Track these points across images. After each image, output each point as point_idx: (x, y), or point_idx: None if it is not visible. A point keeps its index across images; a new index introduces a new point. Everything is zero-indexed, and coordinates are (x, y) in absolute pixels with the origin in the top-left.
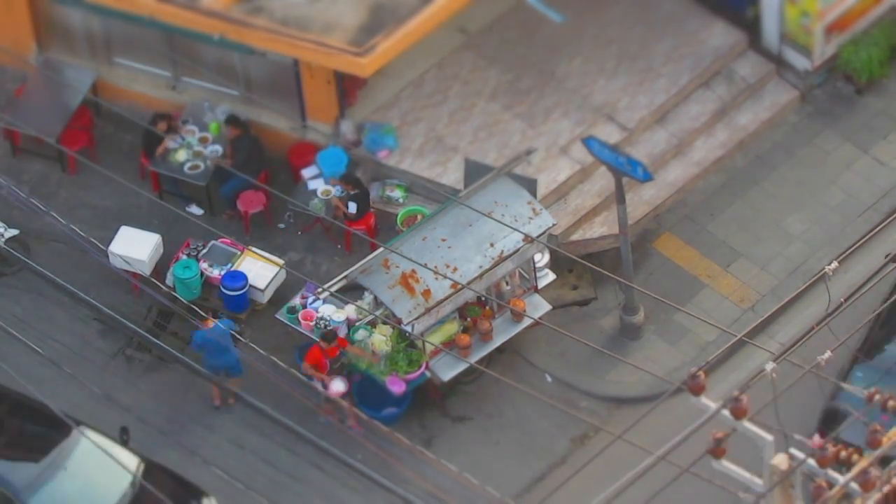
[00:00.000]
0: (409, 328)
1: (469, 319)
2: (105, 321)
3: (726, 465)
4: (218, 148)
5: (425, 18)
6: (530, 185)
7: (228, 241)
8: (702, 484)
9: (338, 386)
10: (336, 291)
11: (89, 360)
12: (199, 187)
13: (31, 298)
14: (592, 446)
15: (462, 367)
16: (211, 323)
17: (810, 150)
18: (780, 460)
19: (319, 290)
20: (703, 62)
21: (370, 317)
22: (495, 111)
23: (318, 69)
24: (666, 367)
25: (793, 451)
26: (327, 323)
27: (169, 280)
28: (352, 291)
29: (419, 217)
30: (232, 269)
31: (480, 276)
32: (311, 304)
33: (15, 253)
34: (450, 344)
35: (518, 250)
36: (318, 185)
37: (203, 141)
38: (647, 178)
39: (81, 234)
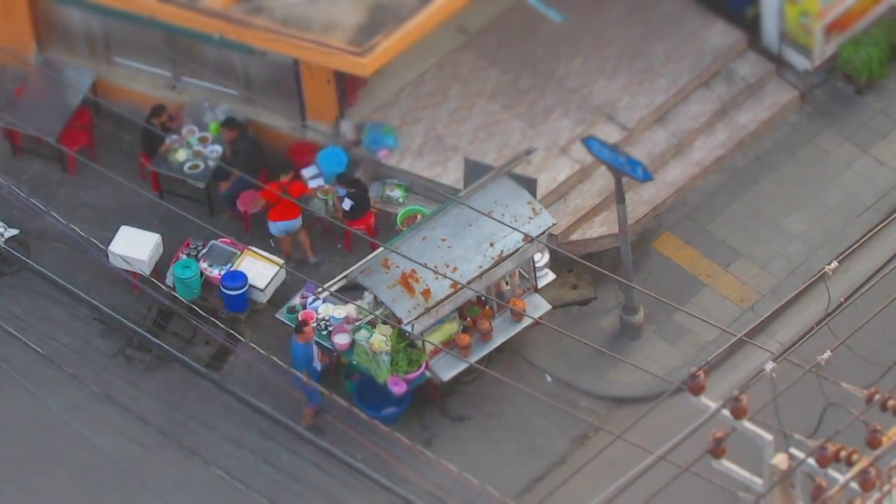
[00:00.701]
0: (409, 328)
1: (469, 319)
2: (105, 321)
3: (726, 464)
4: (218, 148)
5: (425, 18)
6: (530, 184)
7: (228, 240)
8: (702, 484)
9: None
10: (336, 291)
11: (89, 360)
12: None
13: (31, 298)
14: (592, 446)
15: (462, 366)
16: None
17: (810, 150)
18: (780, 460)
19: (319, 290)
20: (703, 62)
21: (370, 317)
22: (495, 111)
23: (318, 69)
24: (666, 366)
25: (793, 450)
26: (327, 323)
27: (169, 280)
28: (352, 291)
29: (419, 217)
30: (232, 268)
31: (480, 275)
32: (311, 304)
33: (15, 253)
34: (450, 344)
35: (518, 250)
36: (318, 185)
37: (203, 141)
38: (647, 177)
39: (81, 234)
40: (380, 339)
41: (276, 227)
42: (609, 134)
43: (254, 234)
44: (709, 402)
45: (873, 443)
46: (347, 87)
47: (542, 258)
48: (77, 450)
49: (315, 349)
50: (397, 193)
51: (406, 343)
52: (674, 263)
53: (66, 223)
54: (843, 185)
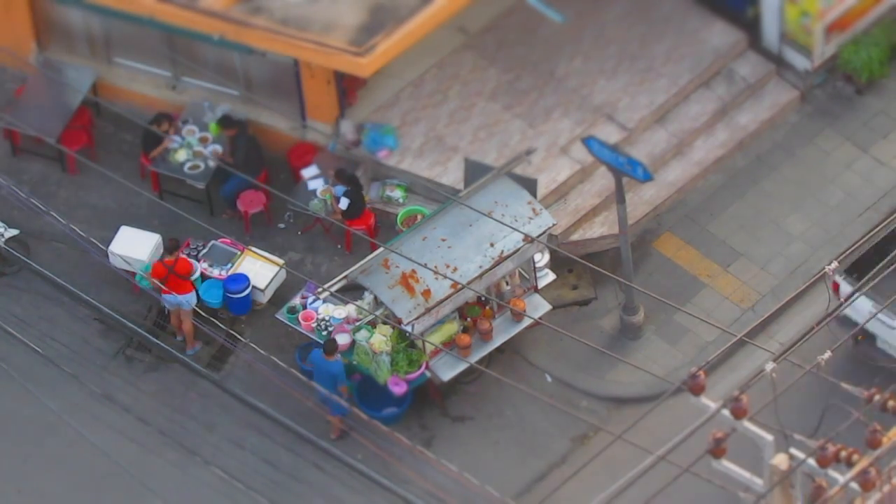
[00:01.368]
0: (409, 328)
1: (469, 319)
2: (105, 321)
3: (726, 464)
4: (217, 148)
5: (425, 18)
6: (530, 185)
7: (228, 241)
8: (702, 484)
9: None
10: (336, 291)
11: (89, 360)
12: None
13: (31, 298)
14: (592, 446)
15: (462, 367)
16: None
17: (810, 150)
18: (780, 460)
19: (319, 290)
20: (703, 62)
21: (370, 317)
22: (495, 111)
23: (318, 69)
24: (666, 367)
25: (793, 451)
26: (327, 323)
27: None
28: (352, 291)
29: (419, 217)
30: (232, 269)
31: (480, 276)
32: (311, 304)
33: (15, 253)
34: (450, 344)
35: (518, 250)
36: (318, 185)
37: (203, 141)
38: (647, 177)
39: (81, 234)
40: (380, 339)
41: (165, 299)
42: (609, 134)
43: (254, 234)
44: (709, 402)
45: (873, 443)
46: (347, 87)
47: (542, 258)
48: (77, 450)
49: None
50: (397, 194)
51: (406, 343)
52: (674, 263)
53: (66, 223)
54: (843, 185)
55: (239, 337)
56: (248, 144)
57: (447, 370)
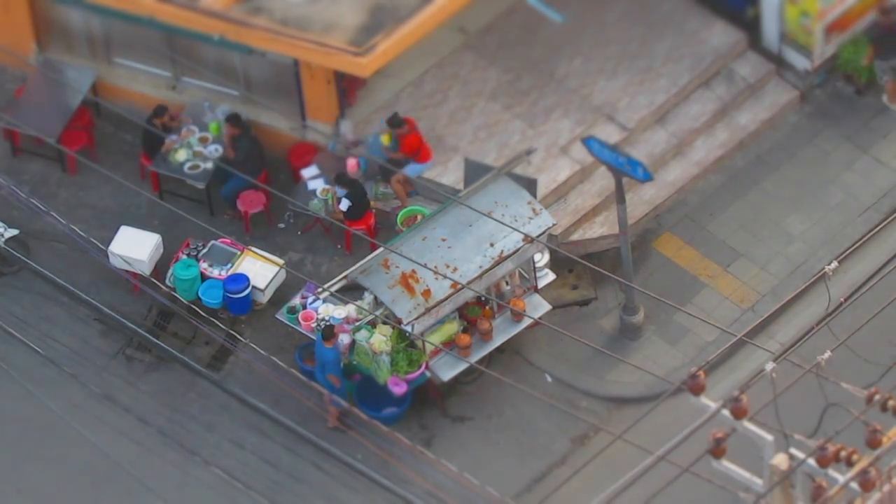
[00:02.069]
0: (409, 328)
1: (469, 319)
2: (105, 321)
3: (726, 464)
4: (218, 148)
5: (425, 18)
6: (530, 185)
7: (228, 240)
8: (702, 484)
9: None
10: (336, 291)
11: (89, 360)
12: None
13: (31, 298)
14: (592, 446)
15: (462, 367)
16: (332, 343)
17: (810, 150)
18: (780, 460)
19: (319, 290)
20: (703, 62)
21: (370, 317)
22: (495, 111)
23: (318, 69)
24: (666, 367)
25: (793, 451)
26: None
27: (169, 280)
28: (352, 291)
29: (419, 217)
30: (232, 269)
31: (480, 276)
32: (311, 304)
33: (15, 253)
34: (450, 344)
35: (518, 250)
36: (318, 185)
37: (203, 141)
38: (647, 177)
39: (81, 234)
40: (380, 339)
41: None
42: (609, 134)
43: (254, 234)
44: (709, 402)
45: (873, 443)
46: (347, 87)
47: (542, 258)
48: (77, 450)
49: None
50: (391, 190)
51: (406, 343)
52: (674, 263)
53: (66, 223)
54: (843, 185)
55: (239, 337)
56: (250, 145)
57: (447, 370)
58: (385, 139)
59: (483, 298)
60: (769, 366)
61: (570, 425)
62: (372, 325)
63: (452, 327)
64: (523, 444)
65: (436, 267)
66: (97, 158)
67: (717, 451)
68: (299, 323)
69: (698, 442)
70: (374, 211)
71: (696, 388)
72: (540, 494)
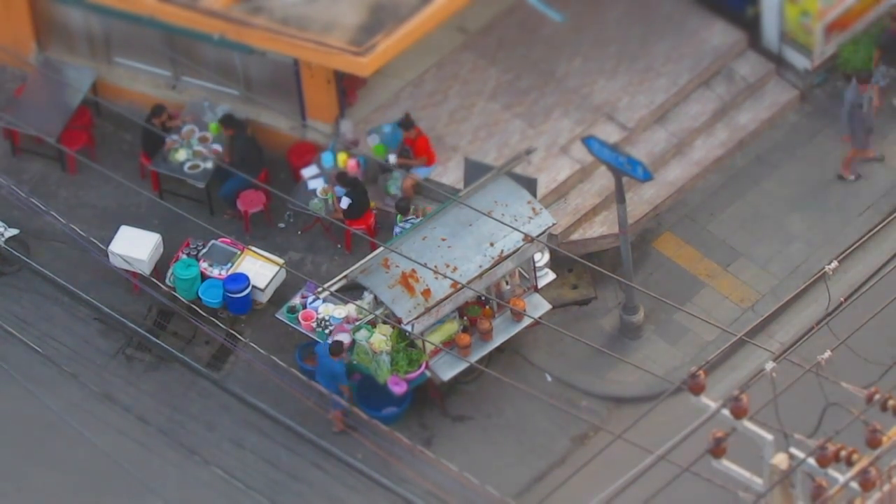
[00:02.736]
0: (409, 328)
1: (469, 319)
2: (105, 321)
3: (726, 464)
4: (218, 147)
5: (425, 18)
6: (530, 184)
7: (228, 240)
8: (702, 484)
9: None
10: (336, 291)
11: (89, 360)
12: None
13: (31, 298)
14: (592, 446)
15: (462, 366)
16: (339, 358)
17: (810, 150)
18: (780, 460)
19: (319, 289)
20: (703, 62)
21: (370, 316)
22: (495, 111)
23: (318, 69)
24: (666, 366)
25: (793, 450)
26: (327, 323)
27: (169, 280)
28: (352, 291)
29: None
30: (232, 269)
31: (480, 275)
32: (311, 303)
33: (15, 253)
34: (450, 343)
35: (518, 250)
36: (318, 185)
37: (203, 141)
38: (647, 177)
39: (81, 233)
40: (380, 338)
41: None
42: (609, 134)
43: (254, 233)
44: (709, 401)
45: (873, 443)
46: (347, 86)
47: (542, 258)
48: (77, 450)
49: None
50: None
51: (406, 343)
52: (674, 263)
53: (66, 223)
54: (843, 185)
55: (239, 337)
56: (246, 145)
57: (447, 370)
58: (378, 150)
59: (483, 298)
60: (769, 365)
61: (570, 425)
62: (372, 324)
63: (452, 327)
64: (523, 443)
65: (436, 266)
66: (97, 158)
67: (717, 450)
68: (299, 322)
69: (698, 441)
70: (374, 211)
71: (696, 388)
72: (540, 494)
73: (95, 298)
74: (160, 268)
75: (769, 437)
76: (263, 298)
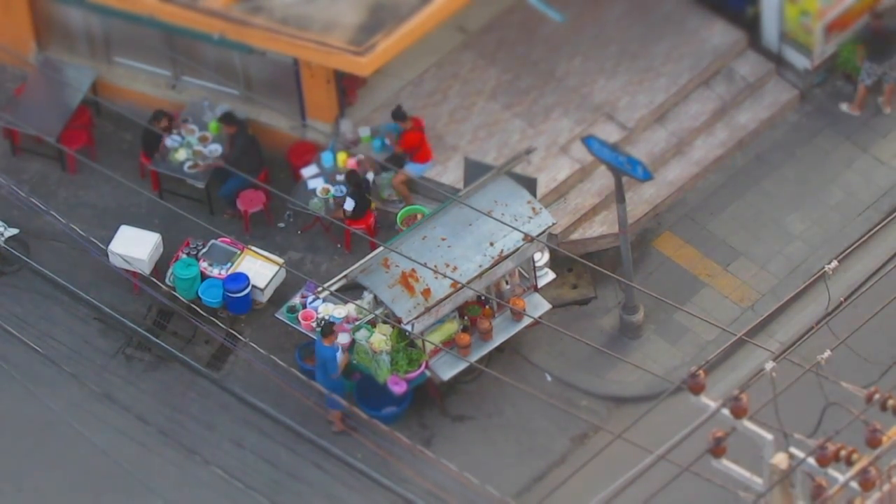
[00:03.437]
0: (408, 327)
1: (469, 319)
2: (105, 321)
3: (726, 464)
4: (218, 147)
5: (425, 18)
6: (530, 184)
7: (228, 240)
8: (702, 484)
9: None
10: (336, 291)
11: (89, 360)
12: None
13: (31, 298)
14: (592, 446)
15: (462, 366)
16: (331, 342)
17: (810, 150)
18: (780, 459)
19: (319, 289)
20: (702, 61)
21: (370, 316)
22: (495, 110)
23: (318, 68)
24: (666, 366)
25: (793, 450)
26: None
27: (169, 279)
28: (352, 291)
29: (419, 216)
30: (232, 269)
31: (480, 275)
32: (310, 303)
33: (15, 252)
34: (450, 343)
35: (518, 249)
36: (318, 185)
37: (203, 140)
38: (647, 177)
39: (81, 233)
40: (380, 338)
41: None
42: (609, 133)
43: (254, 233)
44: (709, 401)
45: (873, 442)
46: (347, 86)
47: (541, 257)
48: (77, 449)
49: (339, 354)
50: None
51: (406, 342)
52: (674, 263)
53: (66, 223)
54: (843, 185)
55: (239, 336)
56: (247, 143)
57: (447, 369)
58: (366, 139)
59: (483, 298)
60: (769, 365)
61: (570, 425)
62: (372, 324)
63: (452, 326)
64: (523, 443)
65: (436, 266)
66: (97, 158)
67: (717, 450)
68: (299, 322)
69: (698, 441)
70: (374, 211)
71: (696, 388)
72: (540, 494)
73: (95, 298)
74: (160, 267)
75: (769, 436)
76: (263, 298)
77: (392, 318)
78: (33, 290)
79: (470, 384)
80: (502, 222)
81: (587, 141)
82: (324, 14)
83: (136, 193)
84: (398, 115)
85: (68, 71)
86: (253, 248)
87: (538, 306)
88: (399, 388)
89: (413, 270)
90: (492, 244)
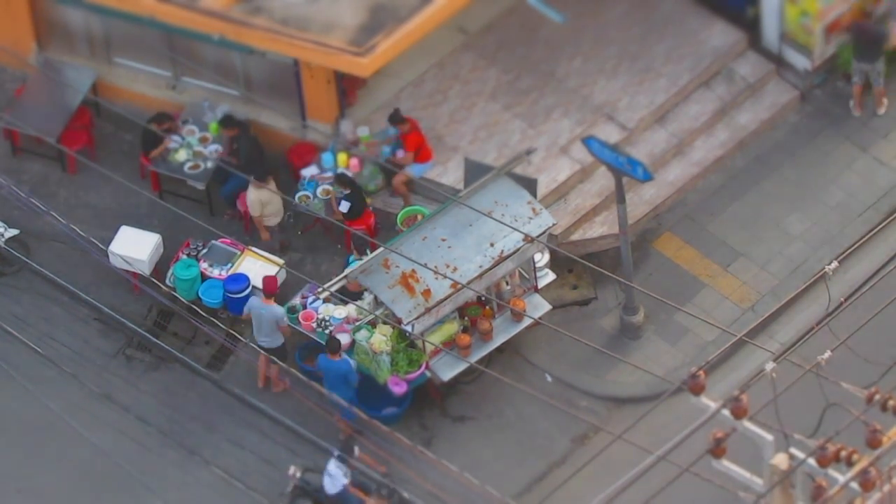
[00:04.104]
0: (409, 328)
1: (469, 319)
2: (105, 321)
3: (726, 464)
4: (218, 148)
5: (425, 18)
6: (530, 184)
7: (228, 240)
8: (702, 484)
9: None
10: (336, 291)
11: (89, 360)
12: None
13: (31, 298)
14: (592, 446)
15: (462, 366)
16: (340, 356)
17: (810, 150)
18: (780, 460)
19: (319, 290)
20: (703, 62)
21: (370, 317)
22: (495, 111)
23: (318, 69)
24: (666, 366)
25: (793, 450)
26: (328, 323)
27: (169, 280)
28: (352, 291)
29: (419, 217)
30: (232, 269)
31: (480, 275)
32: (311, 304)
33: (15, 253)
34: (450, 344)
35: (518, 250)
36: (311, 172)
37: (203, 141)
38: (647, 177)
39: (81, 233)
40: (380, 339)
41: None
42: (609, 134)
43: (254, 234)
44: (709, 401)
45: (873, 443)
46: (347, 87)
47: (542, 258)
48: (77, 450)
49: (352, 364)
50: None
51: (406, 343)
52: (674, 263)
53: (66, 223)
54: (843, 185)
55: (239, 337)
56: (250, 145)
57: (447, 370)
58: (365, 139)
59: (483, 298)
60: (769, 366)
61: (570, 425)
62: (372, 324)
63: (452, 327)
64: (523, 444)
65: (436, 267)
66: (97, 158)
67: (717, 450)
68: (299, 323)
69: (698, 442)
70: (373, 211)
71: (696, 388)
72: (540, 494)
73: (95, 298)
74: (160, 268)
75: (769, 437)
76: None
77: (392, 319)
78: (33, 291)
79: (470, 385)
80: (502, 223)
81: (587, 141)
82: (324, 15)
83: (136, 194)
84: (396, 118)
85: (68, 71)
86: (253, 248)
87: (538, 307)
88: (399, 389)
89: (413, 271)
90: (492, 245)
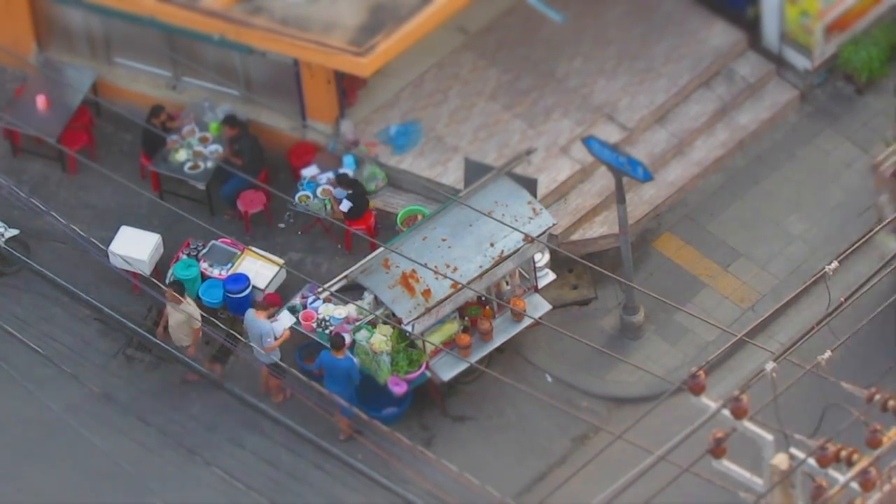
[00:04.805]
0: (409, 328)
1: (469, 319)
2: (105, 321)
3: (726, 464)
4: (218, 148)
5: (425, 18)
6: (530, 184)
7: (228, 240)
8: (702, 484)
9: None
10: (336, 291)
11: (89, 360)
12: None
13: (31, 298)
14: (592, 446)
15: (462, 366)
16: (344, 353)
17: (810, 150)
18: (780, 460)
19: (320, 290)
20: (703, 62)
21: (370, 317)
22: (495, 111)
23: (318, 69)
24: (666, 366)
25: (793, 450)
26: (328, 323)
27: (169, 280)
28: (352, 291)
29: (419, 217)
30: (232, 269)
31: (480, 275)
32: (311, 304)
33: (15, 253)
34: (450, 344)
35: (518, 250)
36: (311, 173)
37: (203, 141)
38: (647, 177)
39: (81, 234)
40: (380, 339)
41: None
42: (609, 134)
43: (254, 234)
44: (709, 402)
45: (873, 443)
46: (347, 87)
47: (542, 258)
48: (77, 449)
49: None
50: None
51: (406, 343)
52: (674, 263)
53: (66, 223)
54: (843, 185)
55: (239, 337)
56: (251, 145)
57: (447, 370)
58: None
59: (483, 298)
60: (769, 366)
61: (570, 425)
62: (372, 324)
63: (452, 327)
64: (523, 444)
65: (436, 267)
66: (97, 158)
67: (717, 450)
68: (300, 323)
69: (698, 442)
70: (373, 211)
71: (697, 388)
72: (540, 494)
73: (95, 298)
74: (160, 268)
75: (769, 437)
76: None
77: (392, 319)
78: (34, 291)
79: (470, 385)
80: (503, 223)
81: (587, 141)
82: (324, 15)
83: (136, 194)
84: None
85: (68, 71)
86: (253, 248)
87: (538, 307)
88: (399, 389)
89: (413, 271)
90: (492, 245)
